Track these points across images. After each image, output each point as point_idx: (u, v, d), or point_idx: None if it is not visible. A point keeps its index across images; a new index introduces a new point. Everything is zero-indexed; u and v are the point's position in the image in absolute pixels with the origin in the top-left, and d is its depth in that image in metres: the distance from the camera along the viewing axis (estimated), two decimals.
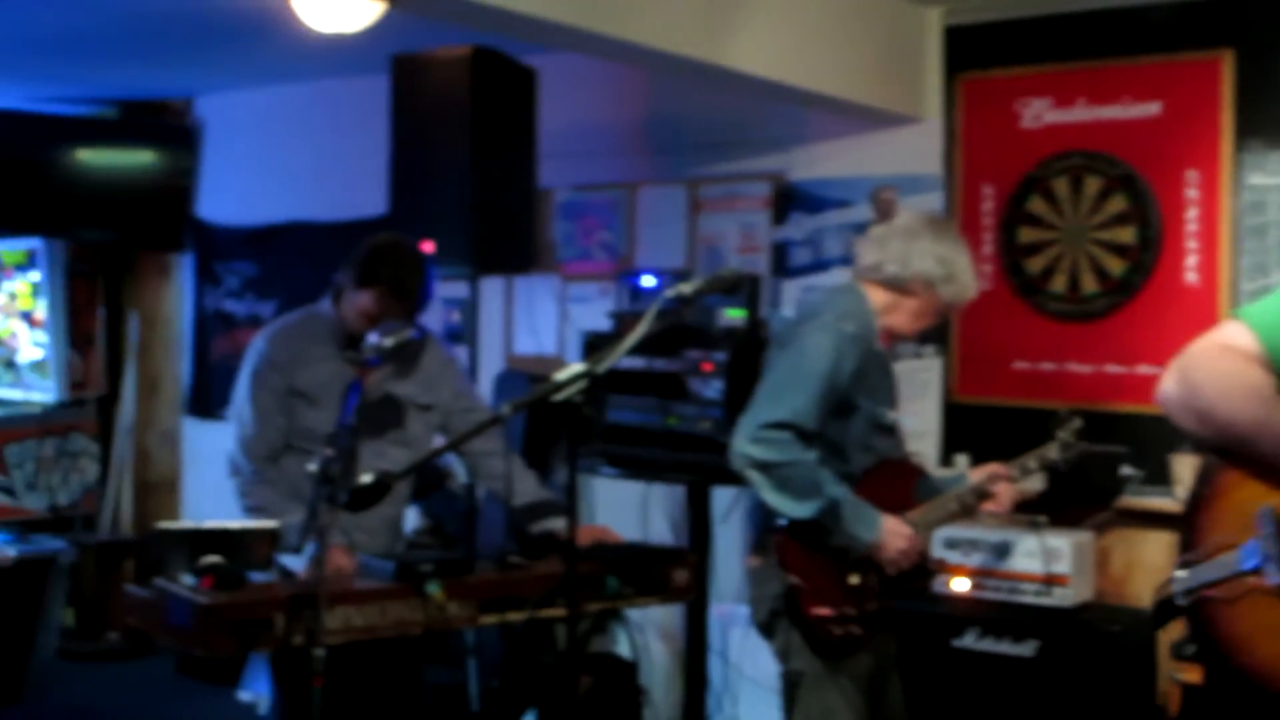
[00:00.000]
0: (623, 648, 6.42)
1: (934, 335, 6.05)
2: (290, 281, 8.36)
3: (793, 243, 6.62)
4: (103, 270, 9.25)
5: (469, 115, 5.75)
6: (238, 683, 7.13)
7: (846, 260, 6.00)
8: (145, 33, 7.03)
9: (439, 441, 4.95)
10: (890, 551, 4.34)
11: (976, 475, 4.62)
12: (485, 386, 6.62)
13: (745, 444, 4.24)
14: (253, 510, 4.64)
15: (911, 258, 4.44)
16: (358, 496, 3.99)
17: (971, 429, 6.08)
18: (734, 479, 4.49)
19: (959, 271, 4.48)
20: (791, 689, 4.41)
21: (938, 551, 5.43)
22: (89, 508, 9.03)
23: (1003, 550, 5.45)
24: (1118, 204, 5.80)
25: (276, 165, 8.51)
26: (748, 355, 5.36)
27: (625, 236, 7.15)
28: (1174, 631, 4.44)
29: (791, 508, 4.23)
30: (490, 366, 7.08)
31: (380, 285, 4.64)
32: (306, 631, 4.04)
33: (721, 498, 6.04)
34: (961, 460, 5.90)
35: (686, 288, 3.72)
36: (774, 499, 4.24)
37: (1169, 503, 5.47)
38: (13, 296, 9.16)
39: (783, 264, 6.65)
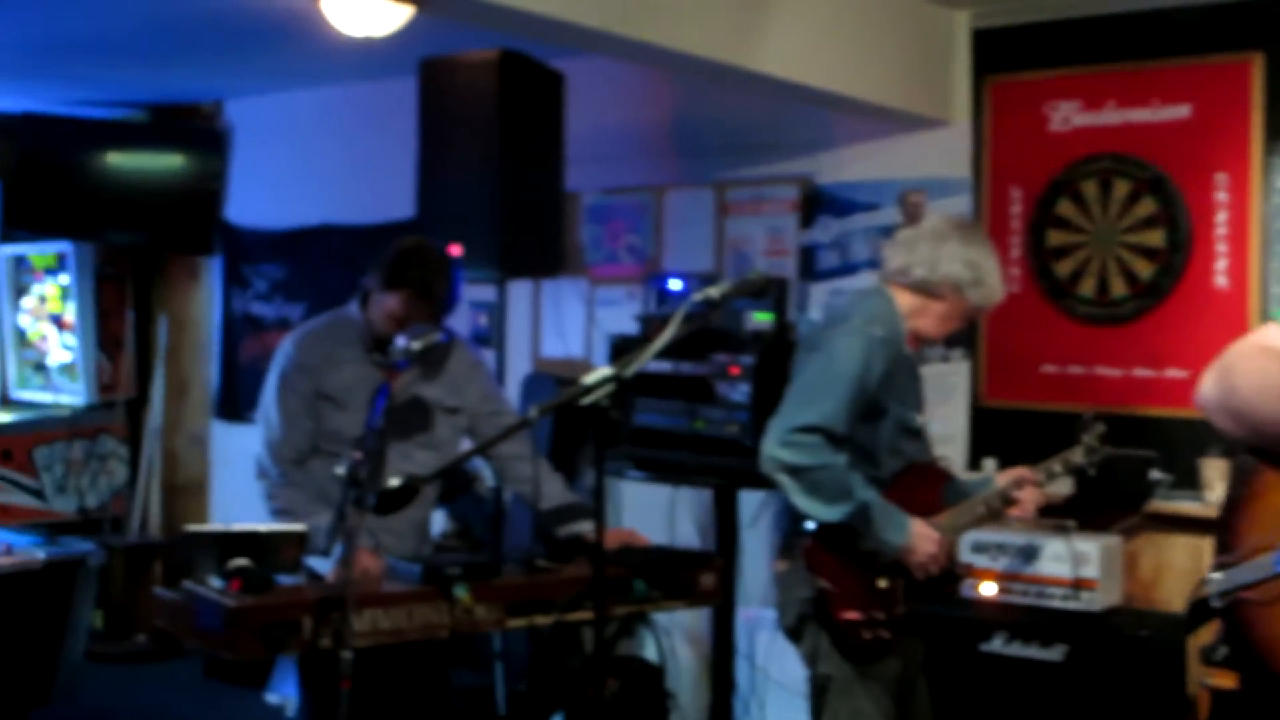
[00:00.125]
0: (649, 651, 6.43)
1: (962, 339, 6.04)
2: (319, 284, 8.38)
3: (820, 246, 6.61)
4: (132, 273, 9.29)
5: (497, 119, 5.75)
6: (265, 685, 7.16)
7: (874, 264, 5.99)
8: (175, 36, 7.05)
9: (466, 444, 4.95)
10: (919, 555, 4.33)
11: (1003, 479, 4.60)
12: (513, 390, 6.62)
13: (775, 448, 4.23)
14: (279, 513, 4.65)
15: (939, 261, 4.43)
16: (385, 499, 3.99)
17: (999, 433, 6.06)
18: (761, 482, 4.48)
19: (987, 275, 4.47)
20: (820, 693, 4.40)
21: (965, 555, 5.43)
22: (118, 510, 9.06)
23: (1030, 554, 5.43)
24: (1147, 207, 5.78)
25: (305, 168, 8.53)
26: (775, 359, 5.35)
27: (652, 240, 7.14)
28: (1203, 637, 4.44)
29: (822, 511, 4.23)
30: (518, 370, 7.08)
31: (406, 288, 4.64)
32: (334, 634, 4.05)
33: (749, 501, 6.03)
34: (989, 464, 5.88)
35: (714, 291, 3.71)
36: (804, 503, 4.23)
37: (1198, 507, 5.46)
38: (42, 300, 9.21)
39: (810, 267, 6.64)
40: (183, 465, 9.35)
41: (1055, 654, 5.21)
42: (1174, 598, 5.58)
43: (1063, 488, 5.46)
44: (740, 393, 5.59)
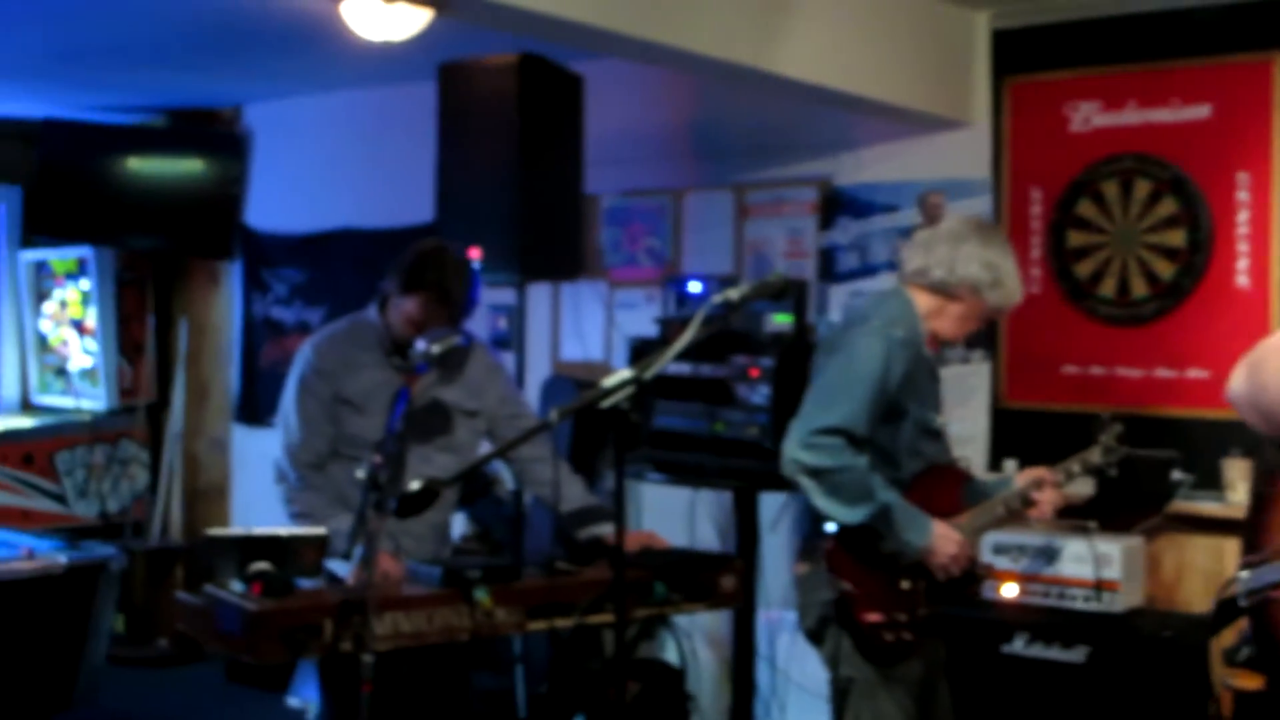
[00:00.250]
0: (670, 654, 6.42)
1: (982, 340, 6.03)
2: (338, 288, 8.39)
3: (840, 248, 6.61)
4: (152, 278, 9.31)
5: (516, 122, 5.75)
6: (287, 689, 7.17)
7: (894, 265, 5.98)
8: (194, 41, 7.07)
9: (485, 448, 4.95)
10: (941, 557, 4.33)
11: (1022, 479, 4.60)
12: (532, 392, 6.62)
13: (796, 450, 4.23)
14: (298, 517, 4.65)
15: (958, 263, 4.42)
16: (406, 503, 4.00)
17: (1020, 434, 6.05)
18: (781, 484, 4.48)
19: (1005, 276, 4.46)
20: (842, 696, 4.39)
21: (987, 557, 5.41)
22: (139, 514, 9.08)
23: (1052, 555, 5.42)
24: (1168, 207, 5.76)
25: (325, 173, 8.54)
26: (795, 361, 5.34)
27: (672, 242, 7.14)
28: (1226, 638, 4.43)
29: (843, 513, 4.22)
30: (537, 372, 7.09)
31: (424, 291, 4.64)
32: (355, 638, 4.05)
33: (769, 504, 6.02)
34: (1010, 465, 5.88)
35: (733, 293, 3.71)
36: (826, 505, 4.23)
37: (1220, 507, 5.45)
38: (63, 305, 9.24)
39: (830, 269, 6.63)
40: (203, 469, 9.37)
41: (1077, 655, 5.20)
42: (1196, 599, 5.56)
43: (1084, 489, 5.45)
44: (760, 395, 5.58)
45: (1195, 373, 5.65)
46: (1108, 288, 5.90)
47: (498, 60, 5.83)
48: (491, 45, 5.72)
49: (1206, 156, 5.68)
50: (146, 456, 9.22)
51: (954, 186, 6.27)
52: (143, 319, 9.20)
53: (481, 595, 4.33)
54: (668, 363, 3.56)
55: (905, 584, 4.36)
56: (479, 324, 6.59)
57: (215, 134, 9.00)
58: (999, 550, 5.50)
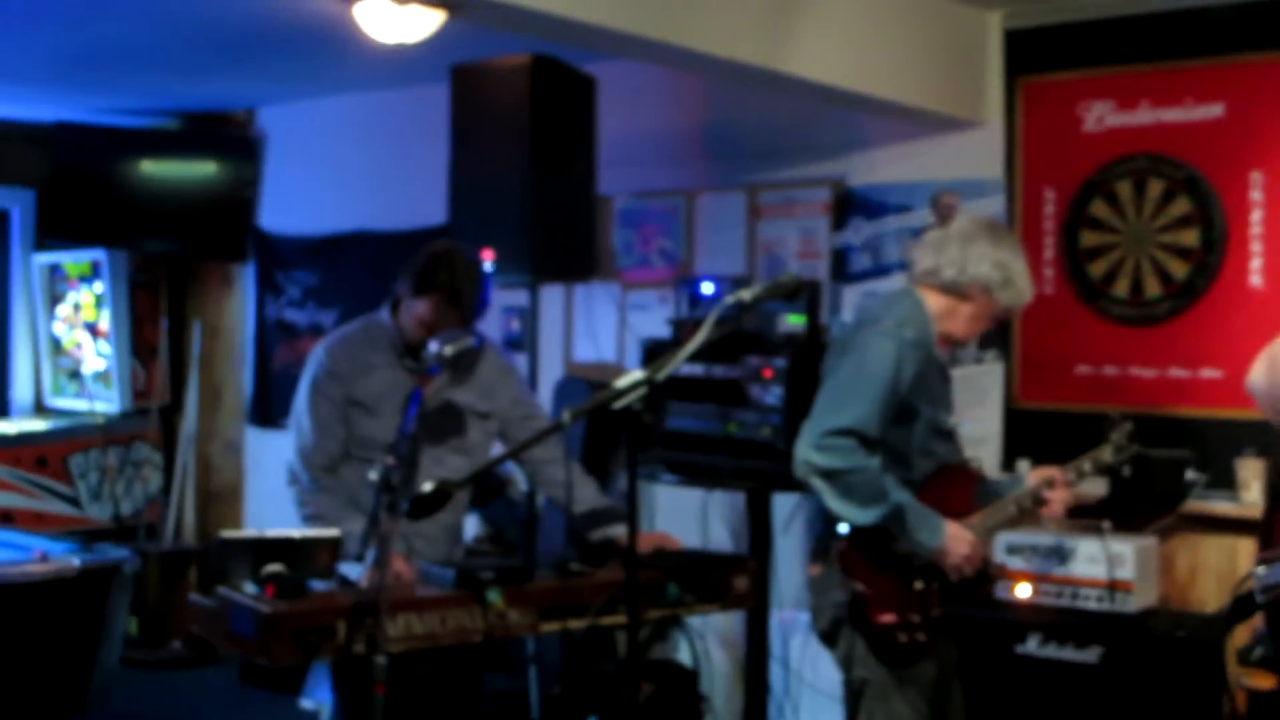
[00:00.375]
0: (683, 655, 6.42)
1: (995, 340, 6.02)
2: (351, 291, 8.40)
3: (852, 248, 6.60)
4: (166, 281, 9.33)
5: (528, 124, 5.75)
6: (300, 691, 7.17)
7: (906, 266, 5.97)
8: (208, 45, 7.08)
9: (498, 449, 4.95)
10: (954, 557, 4.32)
11: (1033, 479, 4.59)
12: (545, 394, 6.62)
13: (809, 451, 4.22)
14: (311, 519, 4.67)
15: (968, 263, 4.42)
16: (418, 504, 3.99)
17: (1033, 434, 6.04)
18: (794, 486, 4.48)
19: (1016, 276, 4.46)
20: (855, 697, 4.39)
21: (1000, 557, 5.41)
22: (152, 517, 9.10)
23: (1065, 556, 5.40)
24: (1181, 206, 5.75)
25: (337, 175, 8.55)
26: (808, 361, 5.34)
27: (684, 243, 7.14)
28: (1240, 637, 4.41)
29: (856, 514, 4.22)
30: (550, 374, 7.09)
31: (436, 292, 4.65)
32: (368, 639, 4.06)
33: (782, 505, 6.02)
34: (1023, 466, 5.86)
35: (746, 294, 3.70)
36: (838, 506, 4.22)
37: (1234, 507, 5.44)
38: (77, 307, 9.25)
39: (842, 269, 6.62)
40: (217, 472, 9.39)
41: (1090, 656, 5.19)
42: (1210, 599, 5.55)
43: (1097, 488, 5.44)
44: (773, 396, 5.58)
45: (1209, 373, 5.64)
46: (1121, 288, 5.89)
47: (510, 62, 5.83)
48: (504, 47, 5.72)
49: (1220, 156, 5.67)
50: (160, 459, 9.23)
51: (967, 187, 6.26)
52: (156, 322, 9.22)
53: (494, 597, 4.33)
54: (680, 364, 3.55)
55: (918, 585, 4.36)
56: (491, 325, 6.59)
57: (228, 137, 9.02)
58: (1012, 550, 5.48)
